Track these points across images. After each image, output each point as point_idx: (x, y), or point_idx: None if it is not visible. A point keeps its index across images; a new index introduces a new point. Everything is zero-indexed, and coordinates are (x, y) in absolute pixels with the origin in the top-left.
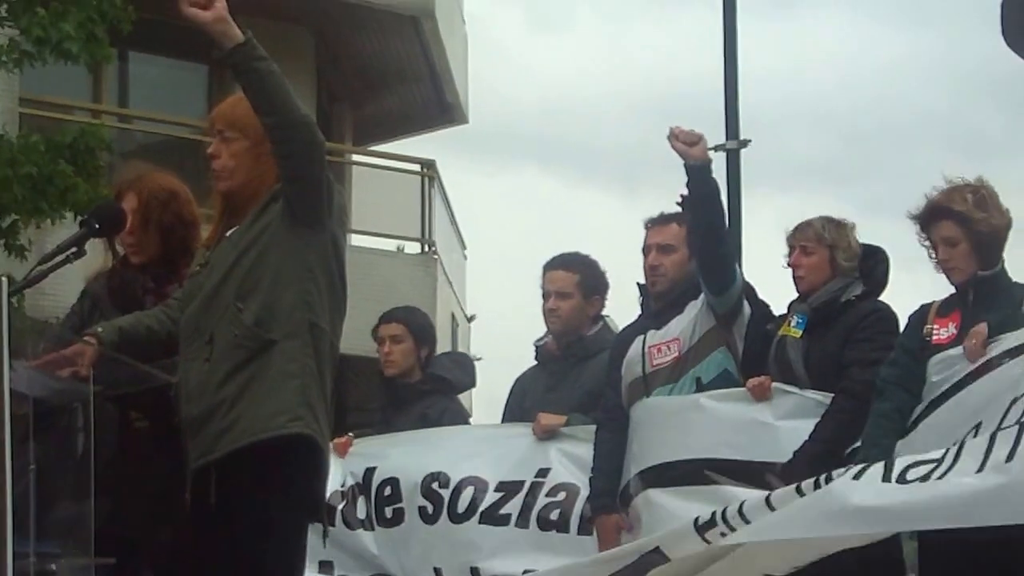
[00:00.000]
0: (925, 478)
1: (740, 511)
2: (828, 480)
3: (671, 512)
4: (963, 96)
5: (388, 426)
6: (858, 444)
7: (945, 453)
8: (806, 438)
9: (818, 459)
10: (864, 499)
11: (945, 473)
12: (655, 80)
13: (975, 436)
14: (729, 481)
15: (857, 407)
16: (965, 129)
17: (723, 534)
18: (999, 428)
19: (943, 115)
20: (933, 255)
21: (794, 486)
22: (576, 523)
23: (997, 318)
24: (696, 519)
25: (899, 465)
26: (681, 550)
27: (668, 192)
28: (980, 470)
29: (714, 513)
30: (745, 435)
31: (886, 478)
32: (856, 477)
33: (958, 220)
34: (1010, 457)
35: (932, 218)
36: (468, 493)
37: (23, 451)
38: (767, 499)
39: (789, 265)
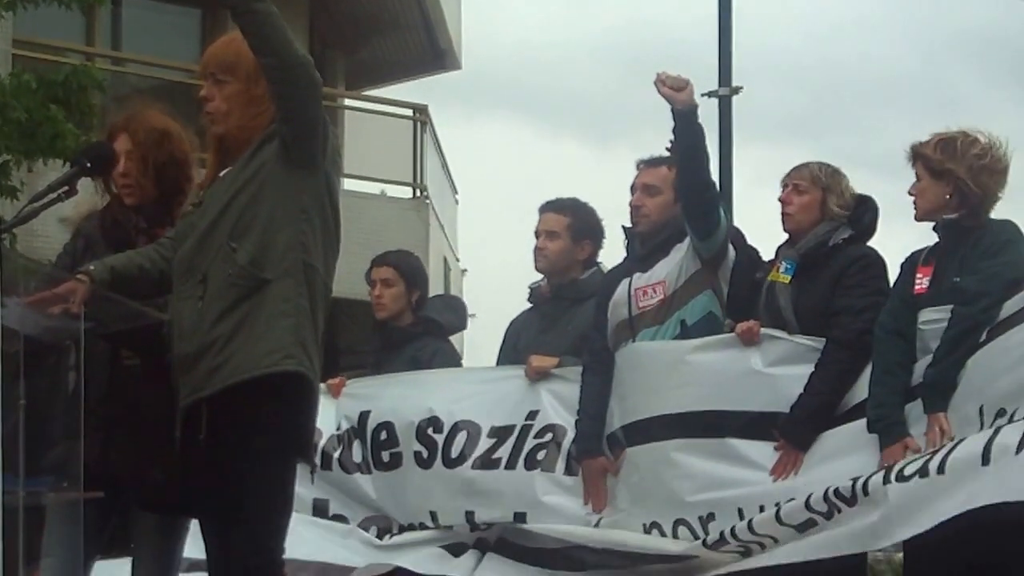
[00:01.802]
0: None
1: (750, 527)
2: (838, 496)
3: (682, 466)
4: (936, 54)
5: (380, 369)
6: (861, 399)
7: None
8: (798, 385)
9: (816, 412)
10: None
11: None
12: (638, 30)
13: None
14: (732, 434)
15: (850, 356)
16: (937, 87)
17: (739, 550)
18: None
19: (915, 72)
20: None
21: (803, 501)
22: (563, 464)
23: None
24: (704, 539)
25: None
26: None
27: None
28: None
29: (722, 532)
30: (738, 385)
31: (886, 480)
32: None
33: (923, 162)
34: (1020, 448)
35: (912, 158)
36: (461, 438)
37: (14, 388)
38: (776, 515)
39: (780, 201)
